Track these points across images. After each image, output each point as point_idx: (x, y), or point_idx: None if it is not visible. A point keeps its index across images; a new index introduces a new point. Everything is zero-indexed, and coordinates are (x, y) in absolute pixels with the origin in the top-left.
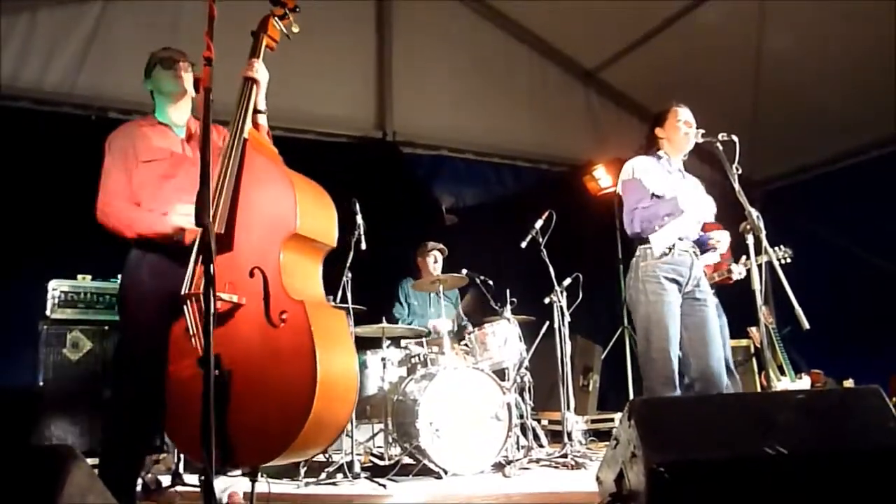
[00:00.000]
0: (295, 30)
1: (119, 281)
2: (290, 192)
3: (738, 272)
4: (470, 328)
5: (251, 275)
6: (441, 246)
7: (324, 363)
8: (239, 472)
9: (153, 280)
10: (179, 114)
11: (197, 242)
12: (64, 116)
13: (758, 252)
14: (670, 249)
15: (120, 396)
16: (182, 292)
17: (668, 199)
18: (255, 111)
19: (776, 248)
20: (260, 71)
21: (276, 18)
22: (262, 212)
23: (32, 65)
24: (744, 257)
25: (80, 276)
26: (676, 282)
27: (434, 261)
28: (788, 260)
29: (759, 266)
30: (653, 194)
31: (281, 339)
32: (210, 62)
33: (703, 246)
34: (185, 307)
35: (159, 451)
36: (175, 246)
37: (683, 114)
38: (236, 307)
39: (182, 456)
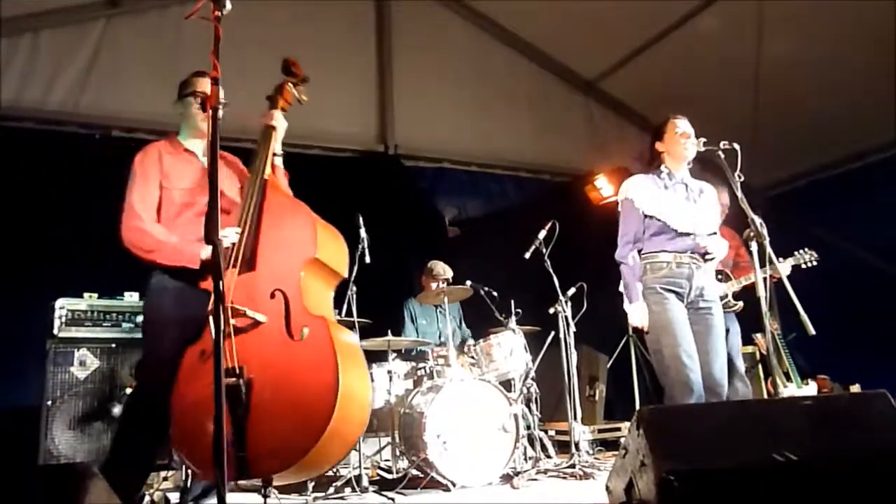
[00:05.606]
0: (304, 98)
1: (142, 305)
2: (311, 223)
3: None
4: (472, 341)
5: (272, 296)
6: (448, 276)
7: (344, 376)
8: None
9: (176, 309)
10: (202, 143)
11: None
12: (68, 136)
13: (762, 258)
14: (665, 264)
15: (131, 416)
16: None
17: (657, 219)
18: (273, 154)
19: (801, 252)
20: (279, 120)
21: (290, 85)
22: (284, 240)
23: (36, 85)
24: (780, 258)
25: (86, 295)
26: (676, 292)
27: (437, 286)
28: (815, 263)
29: (766, 276)
30: (645, 214)
31: (303, 351)
32: (217, 81)
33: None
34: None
35: (167, 468)
36: (196, 270)
37: (681, 125)
38: (257, 324)
39: (190, 472)
